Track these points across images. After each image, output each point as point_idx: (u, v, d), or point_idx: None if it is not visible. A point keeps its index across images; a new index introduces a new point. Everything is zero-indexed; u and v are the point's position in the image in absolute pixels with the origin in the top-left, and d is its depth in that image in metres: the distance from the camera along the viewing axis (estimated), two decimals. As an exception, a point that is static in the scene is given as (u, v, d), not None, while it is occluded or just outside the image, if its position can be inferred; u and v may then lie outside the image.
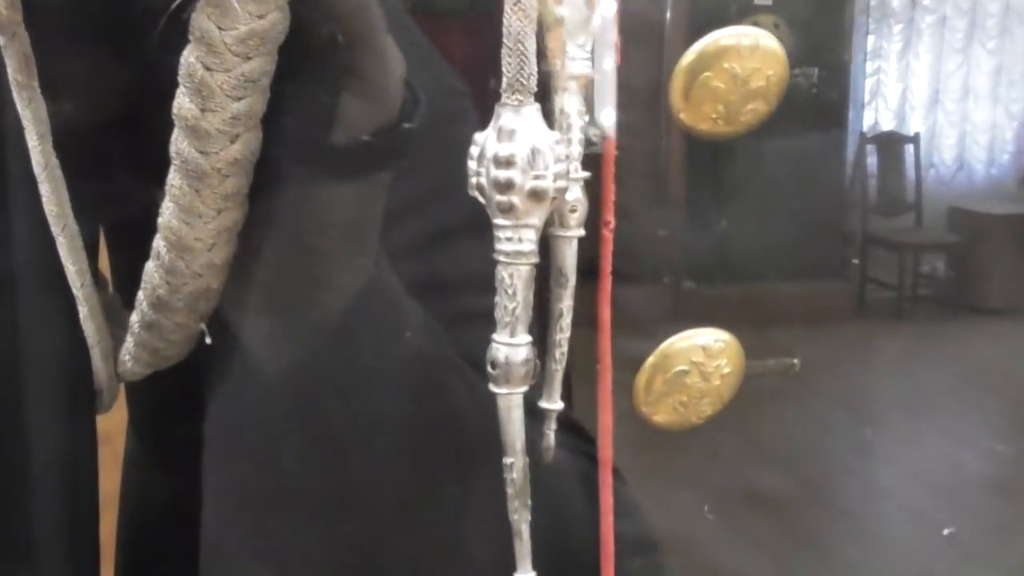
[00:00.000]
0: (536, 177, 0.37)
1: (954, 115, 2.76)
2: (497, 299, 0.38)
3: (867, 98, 2.39)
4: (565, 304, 0.40)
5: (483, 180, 0.37)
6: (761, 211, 1.70)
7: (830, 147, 1.99)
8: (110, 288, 0.50)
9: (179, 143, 0.40)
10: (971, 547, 1.26)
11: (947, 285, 2.47)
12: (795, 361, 0.53)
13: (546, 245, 0.43)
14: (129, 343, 0.45)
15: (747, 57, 0.49)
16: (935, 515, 1.40)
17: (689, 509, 0.48)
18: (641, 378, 0.44)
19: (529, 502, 0.40)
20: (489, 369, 0.38)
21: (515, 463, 0.40)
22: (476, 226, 0.47)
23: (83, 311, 0.45)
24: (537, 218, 0.37)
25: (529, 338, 0.38)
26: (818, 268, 1.90)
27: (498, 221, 0.37)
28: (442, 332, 0.46)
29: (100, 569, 0.53)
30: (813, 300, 1.94)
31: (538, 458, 0.42)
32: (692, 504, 0.49)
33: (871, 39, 2.44)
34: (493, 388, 0.38)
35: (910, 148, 2.62)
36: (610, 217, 0.40)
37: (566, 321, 0.40)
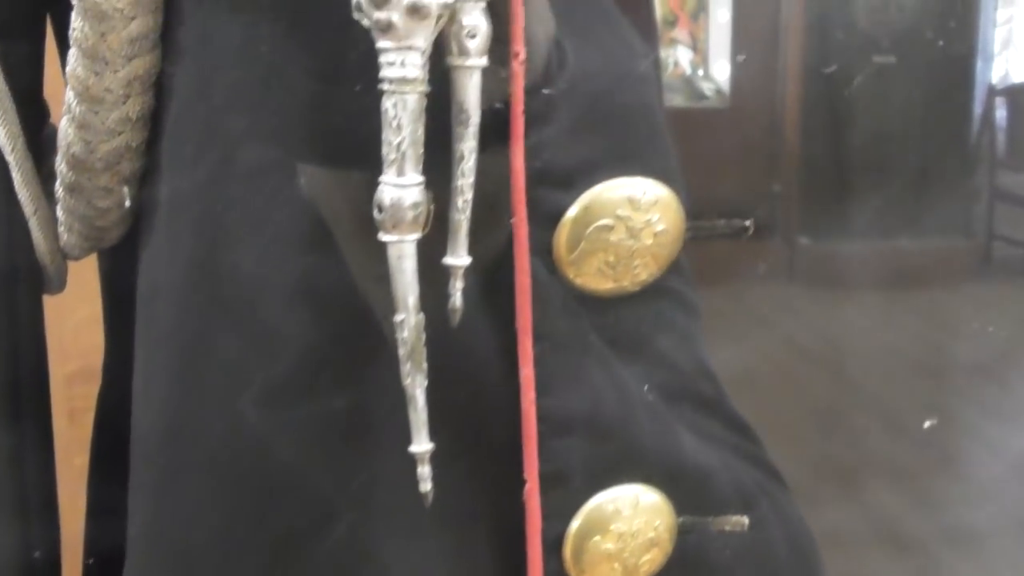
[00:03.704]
0: None
1: (1092, 65, 2.60)
2: (383, 134, 0.34)
3: (997, 48, 2.29)
4: (467, 145, 0.35)
5: None
6: (882, 165, 1.65)
7: (957, 100, 1.92)
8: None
9: None
10: None
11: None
12: (747, 223, 0.47)
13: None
14: (59, 211, 0.42)
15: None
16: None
17: (625, 387, 0.44)
18: (562, 233, 0.39)
19: (425, 365, 0.36)
20: (375, 213, 0.34)
21: (407, 320, 0.35)
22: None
23: (16, 178, 0.42)
24: (422, 39, 0.33)
25: (420, 179, 0.34)
26: (942, 224, 1.84)
27: (380, 44, 0.33)
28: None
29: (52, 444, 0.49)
30: (937, 257, 1.87)
31: (445, 321, 0.37)
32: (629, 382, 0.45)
33: (1004, -15, 2.33)
34: (381, 235, 0.34)
35: (1043, 100, 2.48)
36: (519, 48, 0.35)
37: (469, 164, 0.35)
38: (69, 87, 0.39)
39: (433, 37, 0.33)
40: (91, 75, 0.38)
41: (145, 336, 0.43)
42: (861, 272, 1.63)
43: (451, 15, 0.33)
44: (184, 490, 0.44)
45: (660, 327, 0.45)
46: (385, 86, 0.33)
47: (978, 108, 2.08)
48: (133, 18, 0.37)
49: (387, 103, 0.33)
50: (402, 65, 0.33)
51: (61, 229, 0.43)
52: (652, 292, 0.44)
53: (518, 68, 0.35)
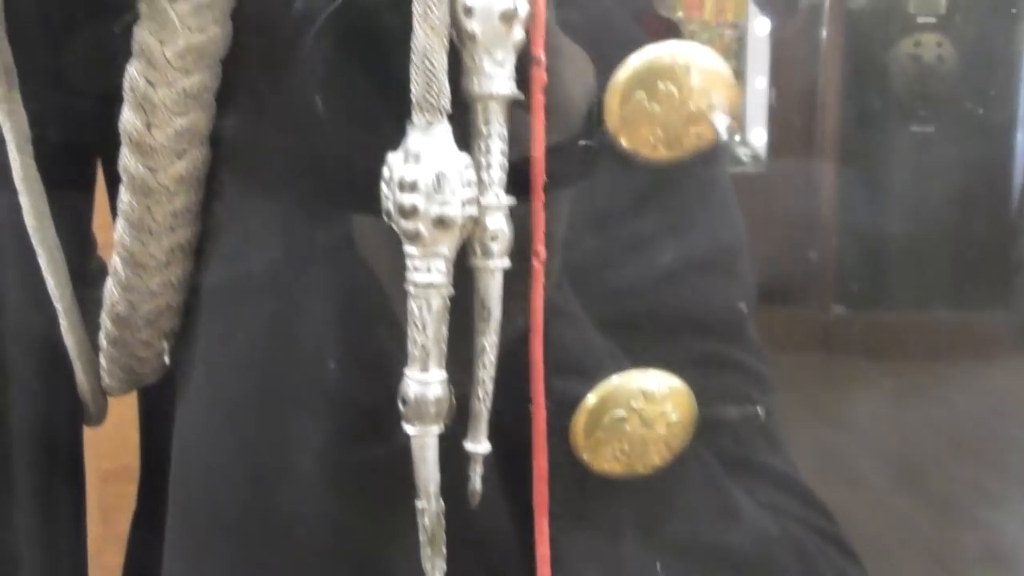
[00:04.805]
0: (441, 204, 0.34)
1: None
2: (408, 332, 0.36)
3: (1039, 118, 2.27)
4: (489, 340, 0.37)
5: (391, 205, 0.35)
6: (920, 234, 1.63)
7: (996, 170, 1.89)
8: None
9: (126, 159, 0.39)
10: None
11: (1125, 317, 2.31)
12: (759, 409, 0.48)
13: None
14: (102, 358, 0.45)
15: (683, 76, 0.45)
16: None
17: (638, 565, 0.44)
18: (579, 420, 0.41)
19: (444, 550, 0.38)
20: (400, 406, 0.36)
21: (427, 508, 0.37)
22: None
23: (63, 323, 0.45)
24: (447, 247, 0.35)
25: (443, 375, 0.36)
26: (982, 296, 1.81)
27: (407, 249, 0.35)
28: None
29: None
30: (976, 329, 1.85)
31: (464, 502, 0.39)
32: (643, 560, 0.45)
33: (1044, 56, 2.32)
34: (405, 426, 0.36)
35: (1085, 171, 2.46)
36: (540, 247, 0.37)
37: (489, 358, 0.37)
38: (115, 253, 0.42)
39: (459, 245, 0.35)
40: (137, 243, 0.41)
41: (178, 476, 0.45)
42: (898, 343, 1.61)
43: (475, 221, 0.35)
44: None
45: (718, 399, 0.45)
46: (411, 289, 0.35)
47: (1018, 178, 2.05)
48: (177, 194, 0.40)
49: (412, 304, 0.35)
50: (428, 271, 0.35)
51: (103, 373, 0.46)
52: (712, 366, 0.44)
53: (538, 267, 0.38)
